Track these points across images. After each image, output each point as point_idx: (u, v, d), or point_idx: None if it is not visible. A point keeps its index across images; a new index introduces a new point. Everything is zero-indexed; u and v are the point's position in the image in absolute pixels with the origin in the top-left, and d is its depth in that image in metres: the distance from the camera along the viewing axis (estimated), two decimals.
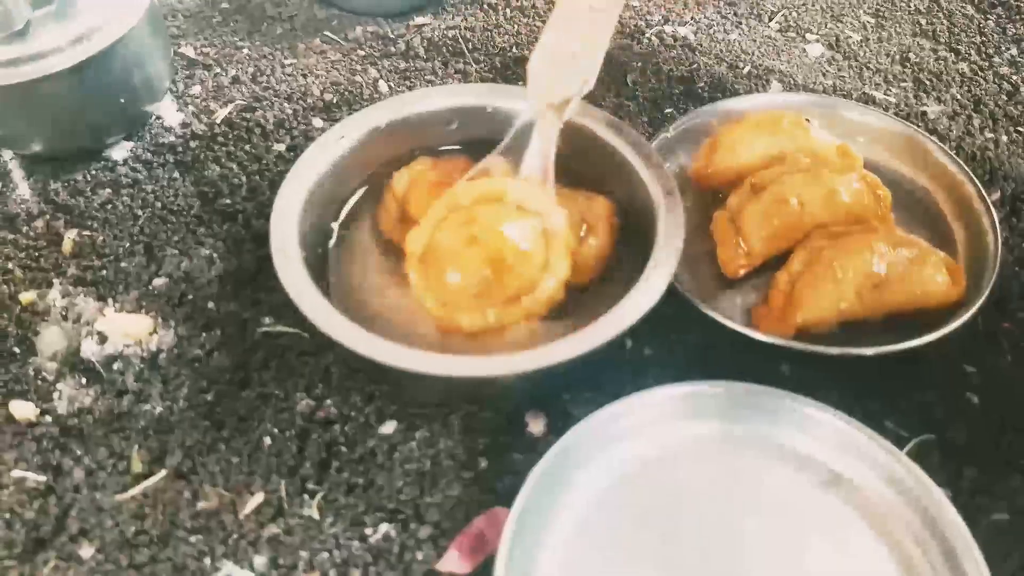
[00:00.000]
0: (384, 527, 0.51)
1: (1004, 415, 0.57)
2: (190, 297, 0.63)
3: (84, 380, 0.59)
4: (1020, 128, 0.76)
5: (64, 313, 0.62)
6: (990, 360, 0.59)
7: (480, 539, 0.50)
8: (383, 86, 0.79)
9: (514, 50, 0.82)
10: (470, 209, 0.56)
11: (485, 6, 0.89)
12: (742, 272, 0.61)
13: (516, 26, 0.86)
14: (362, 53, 0.83)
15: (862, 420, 0.52)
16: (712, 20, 0.87)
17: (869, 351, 0.55)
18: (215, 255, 0.66)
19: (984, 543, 0.47)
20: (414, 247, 0.56)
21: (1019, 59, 0.84)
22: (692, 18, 0.87)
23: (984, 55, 0.84)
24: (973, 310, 0.57)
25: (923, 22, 0.88)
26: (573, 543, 0.49)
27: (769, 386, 0.54)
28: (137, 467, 0.54)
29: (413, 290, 0.56)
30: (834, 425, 0.52)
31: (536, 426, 0.56)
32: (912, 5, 0.90)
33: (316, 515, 0.52)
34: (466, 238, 0.55)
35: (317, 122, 0.75)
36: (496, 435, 0.55)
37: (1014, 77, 0.81)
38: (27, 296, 0.63)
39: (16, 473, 0.53)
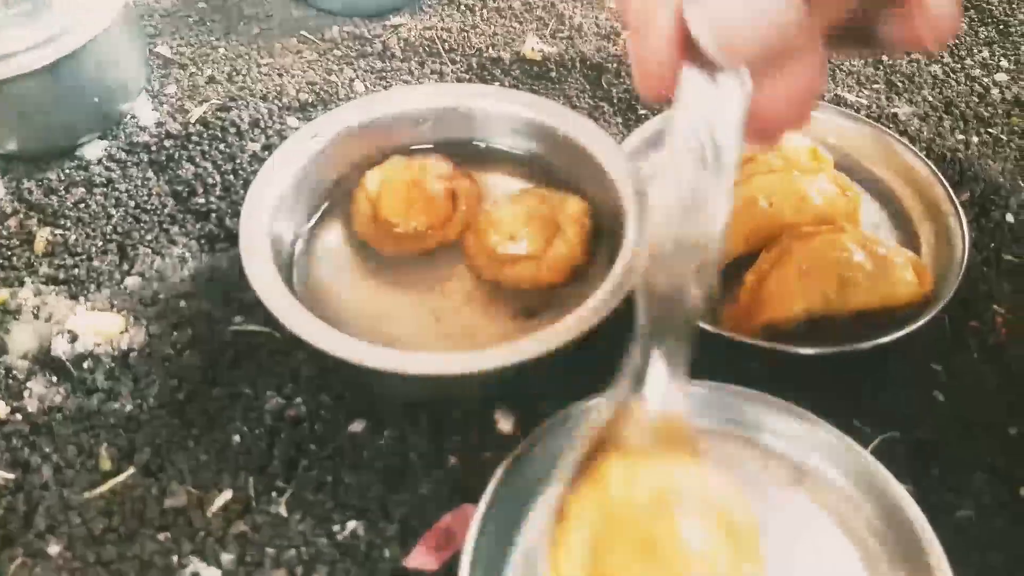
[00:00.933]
0: (352, 524, 0.51)
1: (970, 413, 0.57)
2: (162, 296, 0.63)
3: (54, 378, 0.59)
4: (991, 130, 0.77)
5: (35, 312, 0.62)
6: (957, 358, 0.60)
7: (447, 535, 0.50)
8: (359, 86, 0.79)
9: (490, 51, 0.83)
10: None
11: (462, 7, 0.89)
12: None
13: (492, 27, 0.86)
14: (338, 53, 0.83)
15: (828, 418, 0.53)
16: None
17: (835, 349, 0.56)
18: (188, 254, 0.66)
19: (949, 540, 0.48)
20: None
21: (990, 61, 0.85)
22: None
23: (956, 57, 0.85)
24: (938, 308, 0.57)
25: None
26: (541, 540, 0.49)
27: (736, 384, 0.54)
28: (106, 465, 0.54)
29: None
30: (800, 423, 0.53)
31: (506, 424, 0.56)
32: None
33: (284, 512, 0.52)
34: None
35: (292, 121, 0.75)
36: (465, 434, 0.55)
37: (985, 79, 0.82)
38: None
39: None
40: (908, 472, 0.54)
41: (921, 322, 0.57)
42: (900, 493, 0.49)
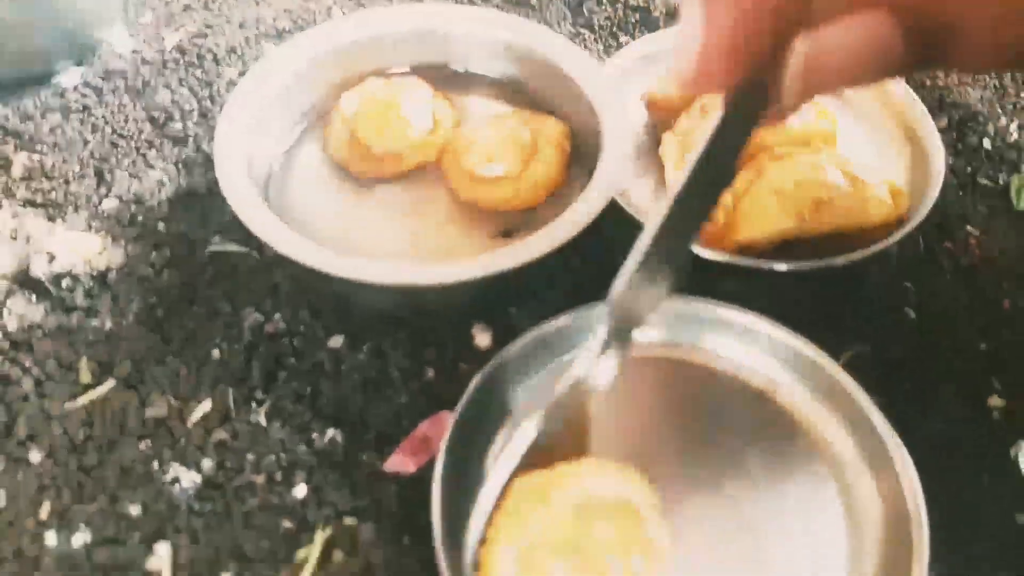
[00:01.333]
0: (330, 432, 0.52)
1: (939, 330, 0.58)
2: (140, 218, 0.63)
3: (34, 297, 0.59)
4: None
5: (14, 234, 0.62)
6: (929, 278, 0.61)
7: (424, 441, 0.51)
8: (337, 12, 0.78)
9: None
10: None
11: None
12: None
13: None
14: None
15: (801, 333, 0.53)
16: None
17: (809, 265, 0.57)
18: (165, 178, 0.66)
19: (915, 451, 0.49)
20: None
21: None
22: None
23: None
24: (912, 228, 0.58)
25: None
26: (514, 448, 0.50)
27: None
28: (86, 377, 0.54)
29: None
30: (772, 336, 0.54)
31: (483, 339, 0.57)
32: None
33: (263, 422, 0.52)
34: None
35: (269, 48, 0.75)
36: (443, 348, 0.56)
37: None
38: None
39: None
40: (878, 386, 0.54)
41: (894, 240, 0.58)
42: (868, 405, 0.50)
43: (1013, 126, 0.71)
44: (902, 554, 0.45)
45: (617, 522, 0.43)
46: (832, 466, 0.50)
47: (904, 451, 0.49)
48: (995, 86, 0.75)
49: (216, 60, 0.73)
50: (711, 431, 0.52)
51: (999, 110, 0.72)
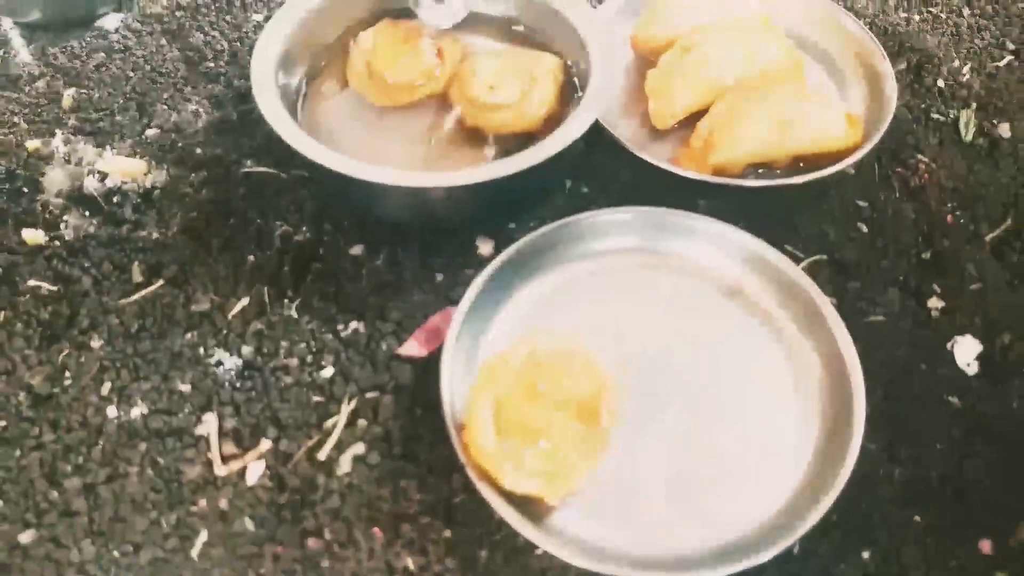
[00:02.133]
0: (353, 324, 0.60)
1: (889, 241, 0.66)
2: (179, 144, 0.70)
3: (87, 212, 0.66)
4: (931, 9, 0.84)
5: (67, 158, 0.69)
6: (882, 198, 0.68)
7: (435, 331, 0.59)
8: None
9: None
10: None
11: None
12: (670, 124, 0.69)
13: None
14: None
15: (768, 242, 0.61)
16: None
17: (774, 182, 0.64)
18: (201, 110, 0.73)
19: (862, 338, 0.57)
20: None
21: None
22: None
23: None
24: (866, 152, 0.65)
25: None
26: (511, 335, 0.58)
27: None
28: (137, 278, 0.62)
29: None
30: (738, 242, 0.61)
31: (485, 248, 0.64)
32: None
33: (295, 315, 0.60)
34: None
35: None
36: (451, 255, 0.64)
37: None
38: (32, 144, 0.70)
39: (31, 283, 0.61)
40: (831, 287, 0.63)
41: (850, 162, 0.65)
42: (823, 301, 0.58)
43: (966, 68, 0.78)
44: (843, 412, 0.53)
45: (564, 366, 0.52)
46: (790, 357, 0.58)
47: (845, 330, 0.56)
48: (952, 32, 0.82)
49: (244, 6, 0.81)
50: (681, 321, 0.59)
51: (954, 53, 0.79)
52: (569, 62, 0.69)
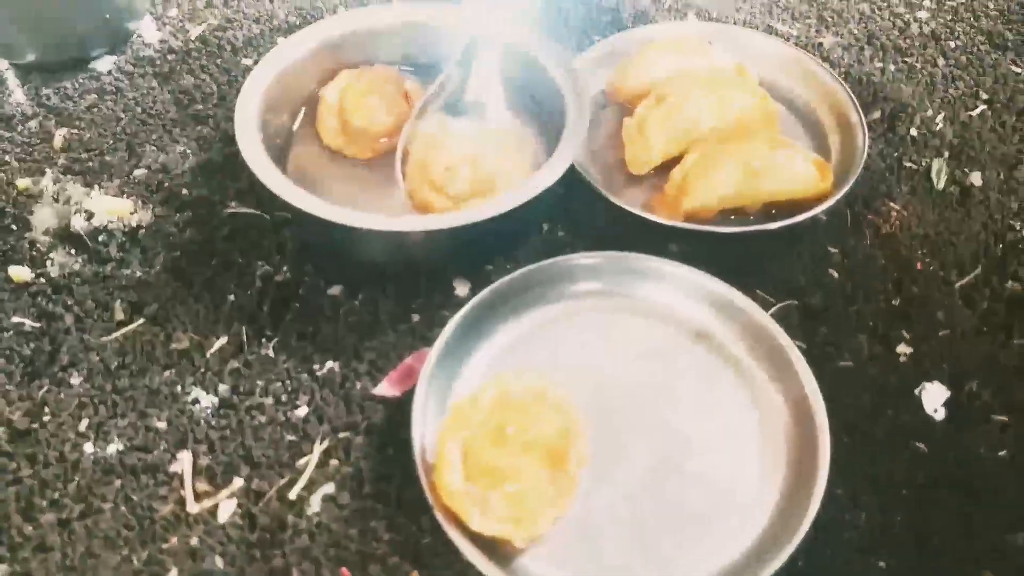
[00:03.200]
0: (329, 363, 0.61)
1: (857, 287, 0.67)
2: (166, 184, 0.72)
3: (73, 250, 0.68)
4: (907, 59, 0.86)
5: (56, 196, 0.71)
6: (852, 244, 0.69)
7: (409, 371, 0.60)
8: (342, 11, 0.88)
9: None
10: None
11: None
12: (645, 170, 0.71)
13: None
14: None
15: (738, 288, 0.62)
16: None
17: (746, 229, 0.66)
18: (188, 151, 0.75)
19: (830, 383, 0.58)
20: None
21: (914, 1, 0.94)
22: None
23: None
24: (836, 199, 0.67)
25: None
26: (484, 376, 0.59)
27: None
28: (119, 316, 0.63)
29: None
30: (706, 287, 0.62)
31: (462, 290, 0.66)
32: None
33: (272, 354, 0.61)
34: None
35: (281, 41, 0.84)
36: (427, 297, 0.65)
37: (907, 16, 0.91)
38: (22, 182, 0.72)
39: (15, 319, 0.63)
40: (801, 332, 0.64)
41: (820, 210, 0.66)
42: (790, 347, 0.59)
43: (939, 117, 0.80)
44: (808, 457, 0.54)
45: (533, 409, 0.53)
46: (755, 402, 0.59)
47: (811, 375, 0.57)
48: (926, 82, 0.83)
49: (234, 50, 0.83)
50: (649, 364, 0.60)
51: (928, 103, 0.81)
52: (546, 107, 0.71)
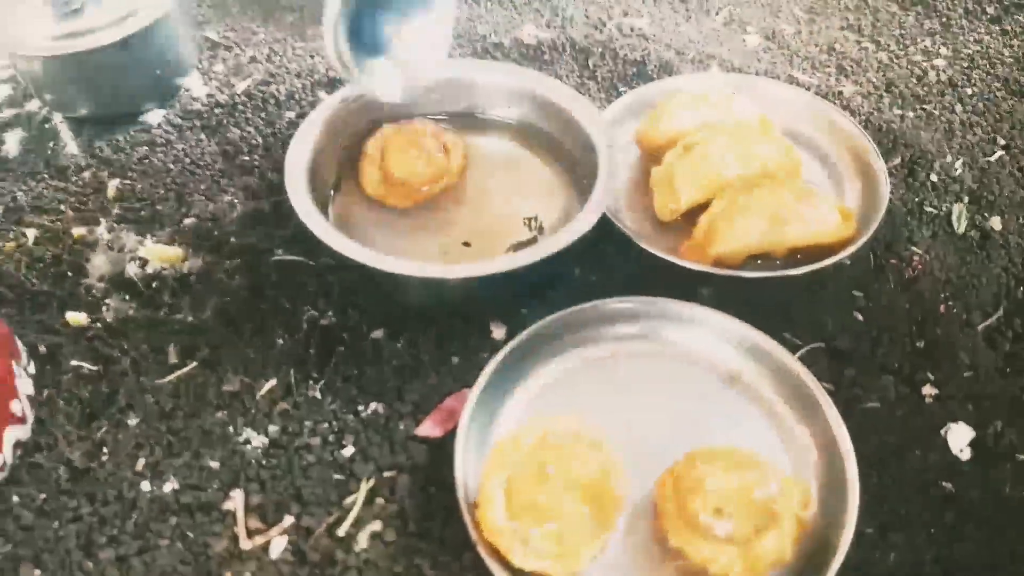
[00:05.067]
0: (373, 405, 0.63)
1: (883, 330, 0.69)
2: (215, 233, 0.75)
3: (127, 296, 0.71)
4: (925, 106, 0.89)
5: (110, 244, 0.75)
6: (876, 288, 0.72)
7: (450, 412, 0.62)
8: None
9: (492, 36, 0.96)
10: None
11: (468, 0, 1.02)
12: (673, 217, 0.74)
13: (494, 16, 0.99)
14: None
15: (765, 331, 0.64)
16: (665, 14, 1.00)
17: (773, 274, 0.68)
18: (236, 201, 0.78)
19: (857, 424, 0.60)
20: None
21: (931, 49, 0.97)
22: (648, 12, 1.00)
23: (902, 45, 0.97)
24: (860, 244, 0.69)
25: (850, 17, 1.01)
26: (522, 416, 0.61)
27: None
28: (173, 359, 0.66)
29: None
30: (737, 332, 0.64)
31: (499, 333, 0.68)
32: (842, 2, 1.04)
33: (319, 396, 0.64)
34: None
35: (322, 94, 0.88)
36: (465, 339, 0.68)
37: (925, 64, 0.94)
38: (78, 231, 0.76)
39: (73, 363, 0.66)
40: (828, 374, 0.66)
41: (845, 255, 0.69)
42: (818, 389, 0.61)
43: (958, 163, 0.82)
44: (838, 496, 0.56)
45: (573, 449, 0.55)
46: (785, 442, 0.61)
47: (839, 416, 0.59)
48: (944, 129, 0.86)
49: (278, 104, 0.87)
50: (681, 406, 0.63)
51: (946, 149, 0.84)
52: (579, 161, 0.74)
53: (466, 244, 0.71)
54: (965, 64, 0.95)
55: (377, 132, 0.75)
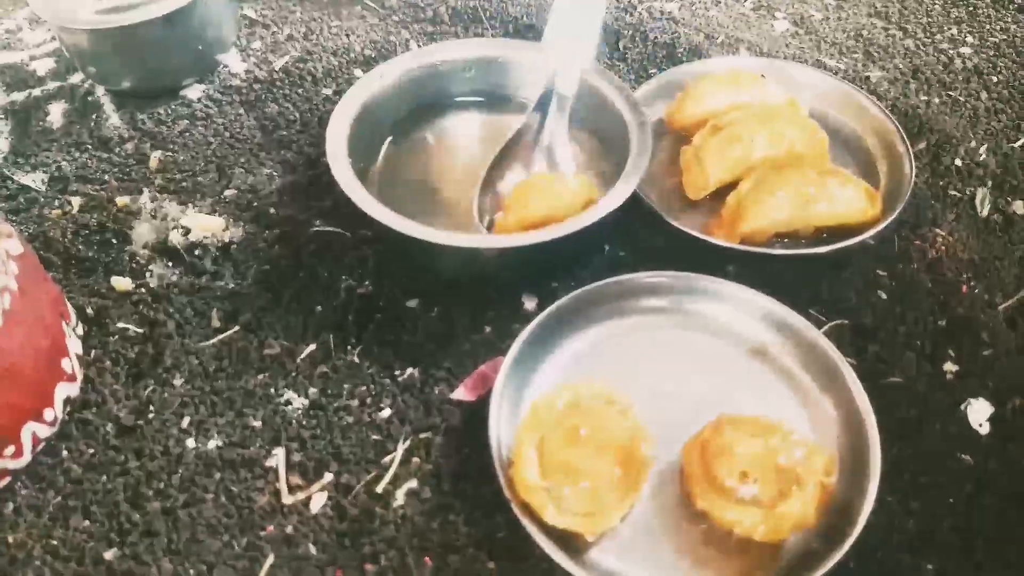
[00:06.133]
0: (410, 370, 0.66)
1: (905, 308, 0.70)
2: (255, 204, 0.78)
3: (170, 263, 0.73)
4: (951, 92, 0.90)
5: (153, 213, 0.77)
6: (900, 268, 0.73)
7: (483, 378, 0.64)
8: (413, 45, 0.94)
9: (524, 18, 0.97)
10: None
11: None
12: (702, 195, 0.75)
13: None
14: (396, 19, 0.98)
15: (792, 308, 0.66)
16: None
17: (799, 251, 0.70)
18: (274, 174, 0.81)
19: (879, 398, 0.61)
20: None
21: (958, 37, 0.98)
22: None
23: (928, 33, 0.98)
24: (885, 225, 0.71)
25: (878, 4, 1.02)
26: (552, 384, 0.63)
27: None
28: (216, 323, 0.69)
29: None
30: (763, 306, 0.66)
31: (530, 304, 0.70)
32: None
33: (357, 360, 0.66)
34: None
35: (358, 72, 0.90)
36: (498, 310, 0.70)
37: (951, 51, 0.95)
38: (122, 200, 0.78)
39: (120, 325, 0.68)
40: (852, 350, 0.67)
41: (869, 235, 0.70)
42: (843, 364, 0.62)
43: (983, 148, 0.83)
44: (860, 466, 0.58)
45: (604, 413, 0.58)
46: (809, 415, 0.62)
47: (862, 390, 0.61)
48: (970, 115, 0.87)
49: (314, 80, 0.89)
50: (708, 376, 0.64)
51: (971, 134, 0.85)
52: (610, 138, 0.76)
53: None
54: (991, 52, 0.96)
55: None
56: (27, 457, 0.59)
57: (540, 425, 0.57)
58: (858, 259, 0.73)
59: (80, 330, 0.67)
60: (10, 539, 0.57)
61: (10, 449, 0.58)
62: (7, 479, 0.59)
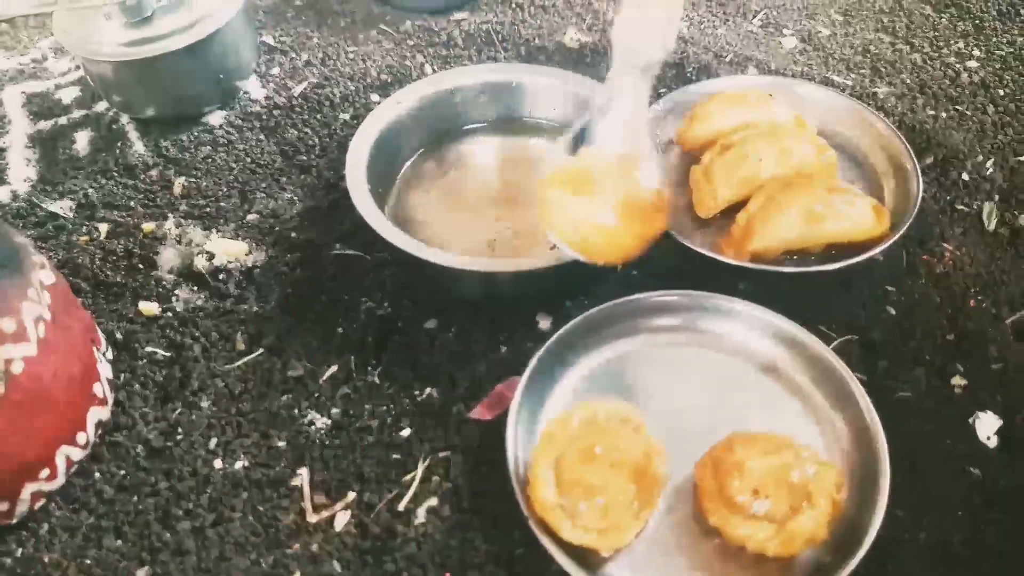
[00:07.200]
0: (428, 390, 0.67)
1: (914, 323, 0.71)
2: (276, 228, 0.80)
3: (195, 287, 0.76)
4: (958, 107, 0.91)
5: (178, 239, 0.79)
6: (908, 283, 0.74)
7: (500, 398, 0.66)
8: (428, 69, 0.96)
9: (536, 40, 0.99)
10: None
11: (513, 4, 1.06)
12: (711, 214, 0.77)
13: (538, 21, 1.02)
14: (411, 43, 1.01)
15: (801, 324, 0.67)
16: (703, 17, 1.03)
17: (809, 268, 0.71)
18: (295, 198, 0.83)
19: (889, 413, 0.62)
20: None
21: (964, 51, 0.99)
22: (687, 15, 1.03)
23: (935, 47, 0.99)
24: (893, 241, 0.72)
25: (885, 20, 1.04)
26: (567, 402, 0.65)
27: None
28: (240, 346, 0.71)
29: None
30: (773, 324, 0.68)
31: (544, 324, 0.72)
32: (876, 5, 1.06)
33: (377, 381, 0.68)
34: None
35: (375, 97, 0.92)
36: (513, 330, 0.71)
37: (958, 65, 0.96)
38: (147, 226, 0.80)
39: (148, 349, 0.71)
40: (862, 365, 0.68)
41: (878, 251, 0.71)
42: (852, 380, 0.63)
43: (989, 163, 0.84)
44: (870, 481, 0.59)
45: (618, 431, 0.59)
46: (821, 430, 0.64)
47: (871, 405, 0.62)
48: (977, 129, 0.88)
49: (332, 106, 0.91)
50: (720, 393, 0.66)
51: (978, 149, 0.86)
52: None
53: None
54: (997, 66, 0.97)
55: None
56: (61, 479, 0.62)
57: (556, 444, 0.59)
58: (866, 275, 0.74)
59: (110, 354, 0.70)
60: (45, 559, 0.59)
61: (45, 472, 0.60)
62: (42, 501, 0.61)
